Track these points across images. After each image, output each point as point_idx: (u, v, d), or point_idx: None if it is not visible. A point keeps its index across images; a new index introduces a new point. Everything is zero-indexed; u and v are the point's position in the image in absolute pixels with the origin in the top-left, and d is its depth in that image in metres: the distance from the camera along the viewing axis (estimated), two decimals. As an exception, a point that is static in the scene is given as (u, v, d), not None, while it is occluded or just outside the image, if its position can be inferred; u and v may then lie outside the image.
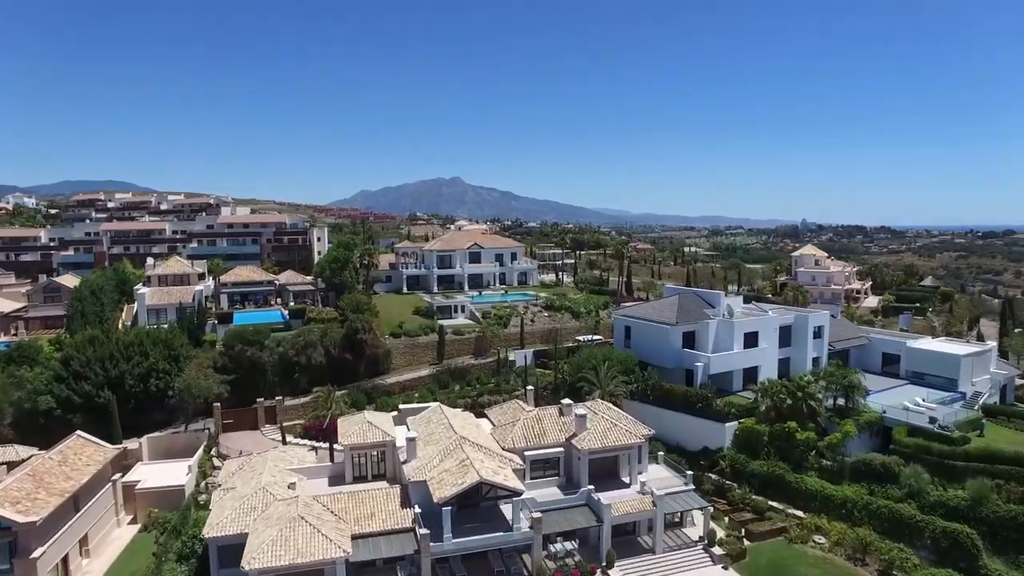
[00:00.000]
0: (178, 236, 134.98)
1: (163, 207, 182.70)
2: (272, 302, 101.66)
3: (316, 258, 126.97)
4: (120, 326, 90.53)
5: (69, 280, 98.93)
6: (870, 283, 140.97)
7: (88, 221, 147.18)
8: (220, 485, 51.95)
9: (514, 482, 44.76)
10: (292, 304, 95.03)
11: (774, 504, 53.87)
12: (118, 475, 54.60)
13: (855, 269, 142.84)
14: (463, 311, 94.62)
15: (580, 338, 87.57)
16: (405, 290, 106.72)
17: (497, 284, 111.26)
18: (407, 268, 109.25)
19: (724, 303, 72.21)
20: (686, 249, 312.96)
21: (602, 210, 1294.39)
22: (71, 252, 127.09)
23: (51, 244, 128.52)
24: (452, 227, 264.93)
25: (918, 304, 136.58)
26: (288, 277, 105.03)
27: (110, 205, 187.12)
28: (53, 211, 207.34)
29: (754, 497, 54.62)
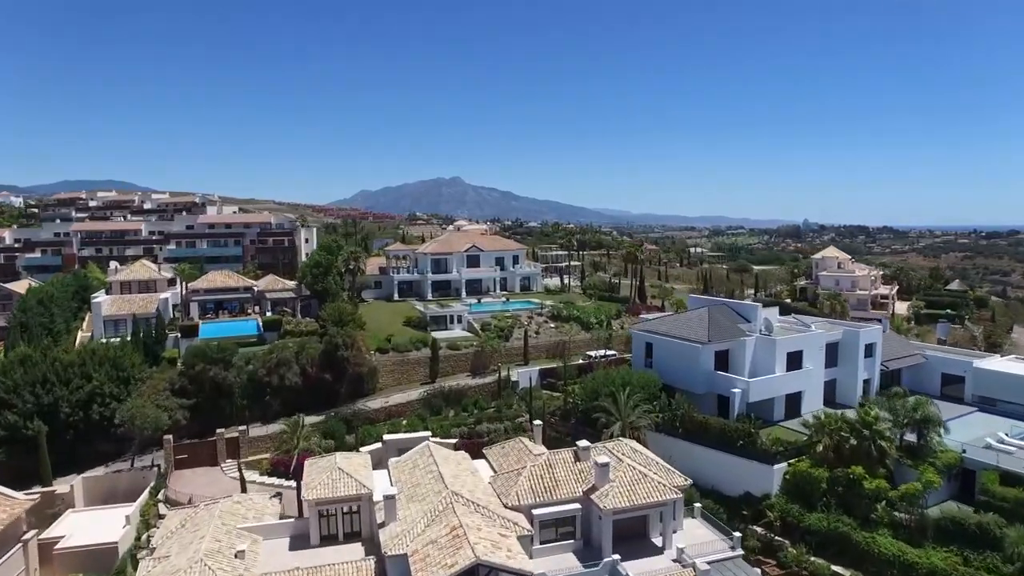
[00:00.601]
0: (155, 237, 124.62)
1: (147, 206, 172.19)
2: (249, 311, 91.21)
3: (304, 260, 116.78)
4: (78, 340, 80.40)
5: (22, 286, 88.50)
6: (896, 287, 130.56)
7: (58, 221, 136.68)
8: (153, 550, 41.52)
9: (520, 560, 34.24)
10: (270, 313, 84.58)
11: (838, 570, 43.42)
12: (33, 532, 44.04)
13: (880, 273, 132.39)
14: (459, 322, 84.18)
15: (592, 353, 77.16)
16: (396, 297, 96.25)
17: (497, 290, 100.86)
18: (399, 273, 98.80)
19: (761, 317, 61.76)
20: (691, 250, 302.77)
21: (602, 210, 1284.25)
22: (37, 254, 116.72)
23: (15, 246, 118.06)
24: (451, 227, 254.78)
25: (948, 310, 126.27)
26: (267, 283, 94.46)
27: (92, 204, 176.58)
28: (35, 211, 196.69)
29: (812, 559, 44.12)
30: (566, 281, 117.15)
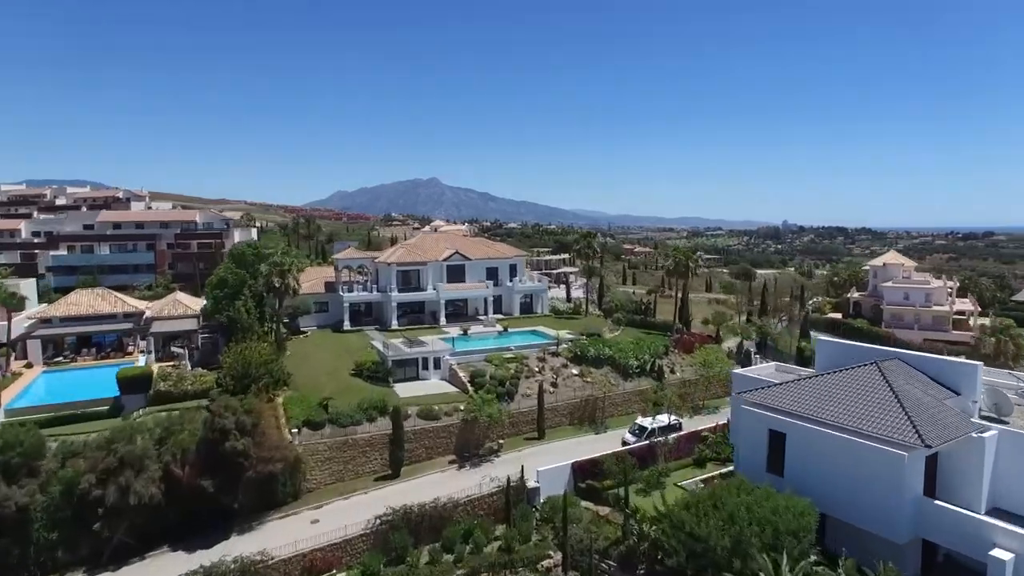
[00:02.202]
0: (37, 240, 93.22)
1: (60, 202, 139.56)
2: (131, 348, 61.25)
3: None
4: None
5: None
6: (970, 301, 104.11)
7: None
8: None
9: None
10: (140, 362, 54.58)
11: None
12: None
13: (957, 284, 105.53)
14: (437, 368, 54.86)
15: (644, 423, 48.14)
16: (347, 326, 66.38)
17: (490, 314, 71.36)
18: (351, 291, 68.81)
19: (979, 384, 33.47)
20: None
21: (578, 211, 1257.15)
22: None
23: None
24: (427, 228, 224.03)
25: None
26: (162, 306, 64.27)
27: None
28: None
29: None
30: (575, 296, 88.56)
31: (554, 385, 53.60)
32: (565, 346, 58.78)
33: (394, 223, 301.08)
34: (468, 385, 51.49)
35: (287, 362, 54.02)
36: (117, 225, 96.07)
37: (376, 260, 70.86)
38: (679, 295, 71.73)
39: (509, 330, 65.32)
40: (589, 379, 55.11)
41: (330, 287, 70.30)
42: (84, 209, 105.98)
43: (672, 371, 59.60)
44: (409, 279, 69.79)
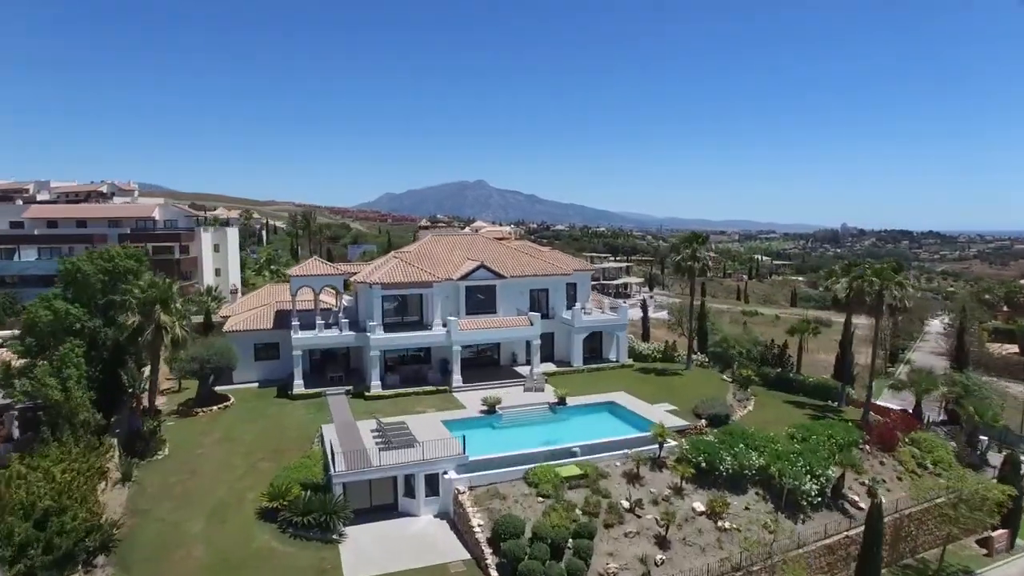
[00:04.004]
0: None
1: (42, 197, 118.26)
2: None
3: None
4: None
5: None
6: None
7: None
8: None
9: None
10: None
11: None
12: None
13: None
14: (432, 491, 27.41)
15: None
16: (300, 387, 39.50)
17: (535, 365, 43.10)
18: (310, 328, 41.60)
19: None
20: (758, 258, 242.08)
21: (625, 213, 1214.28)
22: None
23: None
24: (467, 229, 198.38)
25: None
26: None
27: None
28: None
29: None
30: (653, 317, 59.65)
31: (663, 544, 25.49)
32: (674, 448, 30.45)
33: (439, 224, 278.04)
34: (486, 547, 23.99)
35: (149, 477, 27.58)
36: (52, 223, 72.01)
37: (353, 278, 43.48)
38: (877, 335, 40.47)
39: (568, 401, 37.20)
40: (728, 523, 26.80)
41: (284, 320, 43.50)
42: (20, 203, 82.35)
43: (874, 493, 30.70)
44: (404, 309, 42.42)
